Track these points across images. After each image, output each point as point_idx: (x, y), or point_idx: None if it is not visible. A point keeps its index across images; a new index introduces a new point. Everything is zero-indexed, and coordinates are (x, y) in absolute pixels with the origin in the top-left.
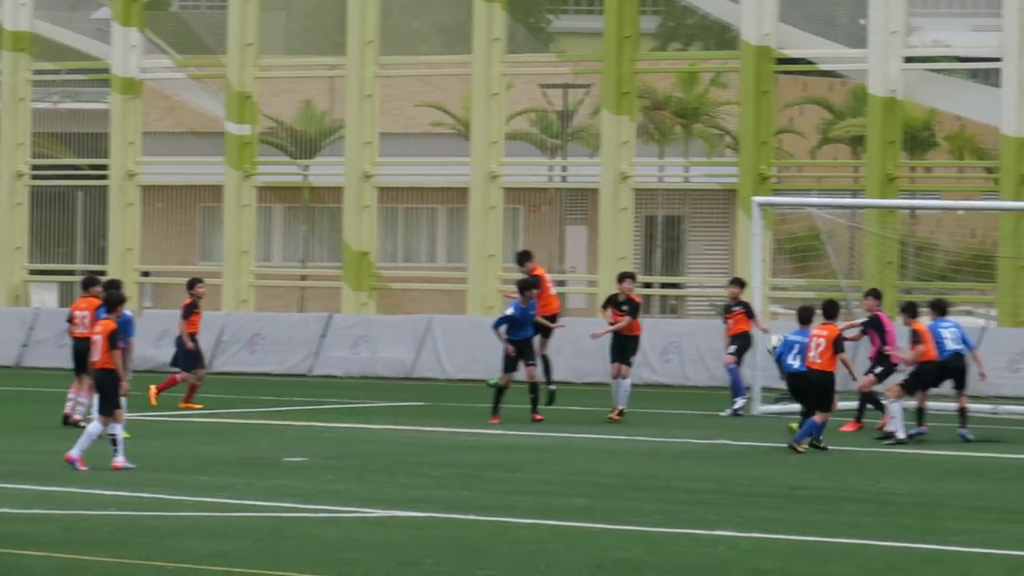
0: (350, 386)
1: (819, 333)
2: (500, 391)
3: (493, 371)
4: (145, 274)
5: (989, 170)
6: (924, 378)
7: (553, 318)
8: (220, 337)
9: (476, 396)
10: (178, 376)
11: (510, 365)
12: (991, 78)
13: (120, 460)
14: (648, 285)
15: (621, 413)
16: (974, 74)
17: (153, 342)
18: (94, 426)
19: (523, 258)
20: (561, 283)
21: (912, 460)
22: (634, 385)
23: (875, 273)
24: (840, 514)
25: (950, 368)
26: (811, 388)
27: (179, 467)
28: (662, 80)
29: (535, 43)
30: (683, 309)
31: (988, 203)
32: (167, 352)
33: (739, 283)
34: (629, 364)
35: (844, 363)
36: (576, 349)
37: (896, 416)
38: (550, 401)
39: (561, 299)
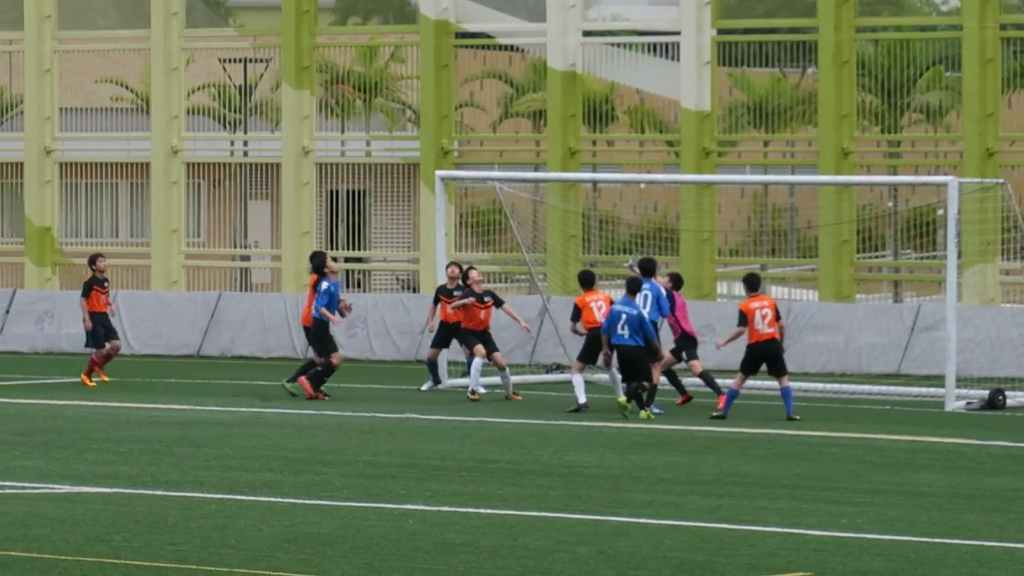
0: (35, 362)
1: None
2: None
3: (178, 346)
4: None
5: (670, 143)
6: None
7: None
8: None
9: (161, 371)
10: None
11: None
12: (670, 52)
13: None
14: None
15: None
16: (653, 48)
17: None
18: None
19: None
20: (246, 258)
21: (600, 433)
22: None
23: (559, 246)
24: (529, 487)
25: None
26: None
27: None
28: (342, 54)
29: (214, 17)
30: (368, 284)
31: (670, 176)
32: None
33: (459, 266)
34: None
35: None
36: (262, 323)
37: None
38: None
39: (247, 275)
